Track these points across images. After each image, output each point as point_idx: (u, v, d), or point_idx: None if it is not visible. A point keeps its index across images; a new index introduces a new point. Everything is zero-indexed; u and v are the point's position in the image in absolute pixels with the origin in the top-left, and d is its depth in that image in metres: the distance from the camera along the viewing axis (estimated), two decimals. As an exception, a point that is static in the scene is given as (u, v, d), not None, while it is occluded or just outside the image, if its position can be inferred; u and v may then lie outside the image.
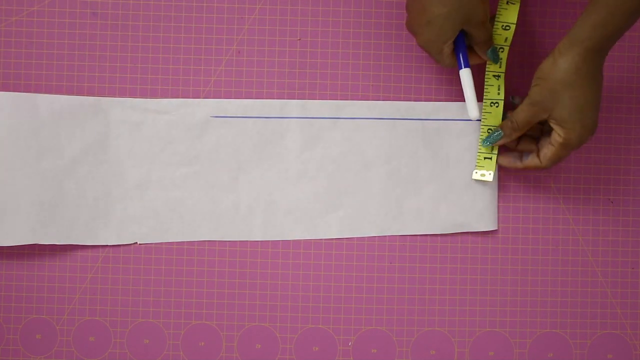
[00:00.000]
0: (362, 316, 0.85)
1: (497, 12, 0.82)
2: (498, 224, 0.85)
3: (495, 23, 0.82)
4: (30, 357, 0.84)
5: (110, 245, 0.84)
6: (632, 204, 0.86)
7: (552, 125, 0.79)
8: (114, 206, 0.84)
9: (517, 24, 0.84)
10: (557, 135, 0.79)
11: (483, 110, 0.84)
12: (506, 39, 0.82)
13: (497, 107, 0.83)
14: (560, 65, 0.76)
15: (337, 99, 0.85)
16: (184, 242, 0.84)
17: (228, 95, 0.85)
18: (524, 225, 0.85)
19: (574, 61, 0.76)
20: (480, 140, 0.84)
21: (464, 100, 0.82)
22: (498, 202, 0.85)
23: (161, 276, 0.84)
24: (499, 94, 0.83)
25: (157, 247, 0.84)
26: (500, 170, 0.85)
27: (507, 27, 0.82)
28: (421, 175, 0.85)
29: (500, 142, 0.82)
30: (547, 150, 0.81)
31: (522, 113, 0.80)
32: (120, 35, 0.85)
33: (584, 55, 0.75)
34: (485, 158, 0.84)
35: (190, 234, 0.84)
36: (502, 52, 0.83)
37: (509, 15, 0.82)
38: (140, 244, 0.84)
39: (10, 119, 0.82)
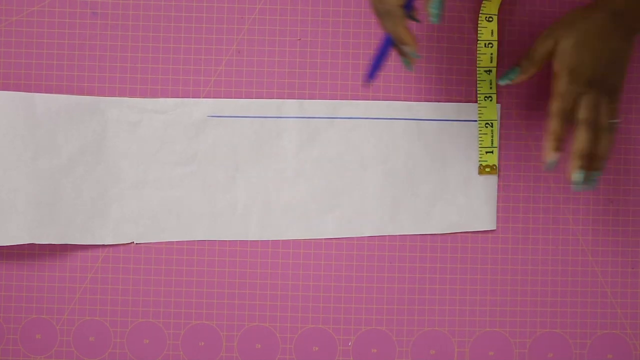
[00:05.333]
0: (362, 316, 0.85)
1: (482, 5, 0.84)
2: (498, 223, 0.85)
3: (480, 15, 0.84)
4: (30, 357, 0.85)
5: (110, 245, 0.84)
6: (632, 204, 0.86)
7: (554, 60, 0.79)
8: (110, 206, 0.84)
9: (506, 18, 0.85)
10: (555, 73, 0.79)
11: (478, 105, 0.84)
12: (492, 32, 0.84)
13: (490, 100, 0.85)
14: (578, 14, 0.79)
15: (337, 99, 0.85)
16: (184, 242, 0.84)
17: (228, 95, 0.85)
18: (524, 225, 0.85)
19: (596, 16, 0.77)
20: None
21: (462, 101, 0.83)
22: (498, 202, 0.85)
23: (161, 276, 0.84)
24: (491, 88, 0.85)
25: (157, 247, 0.84)
26: (501, 169, 0.85)
27: (490, 19, 0.84)
28: (418, 175, 0.85)
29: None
30: None
31: (539, 47, 0.80)
32: (120, 35, 0.85)
33: (607, 18, 0.77)
34: (487, 152, 0.85)
35: (187, 234, 0.84)
36: (491, 47, 0.84)
37: (492, 7, 0.84)
38: (137, 243, 0.84)
39: (6, 118, 0.82)
